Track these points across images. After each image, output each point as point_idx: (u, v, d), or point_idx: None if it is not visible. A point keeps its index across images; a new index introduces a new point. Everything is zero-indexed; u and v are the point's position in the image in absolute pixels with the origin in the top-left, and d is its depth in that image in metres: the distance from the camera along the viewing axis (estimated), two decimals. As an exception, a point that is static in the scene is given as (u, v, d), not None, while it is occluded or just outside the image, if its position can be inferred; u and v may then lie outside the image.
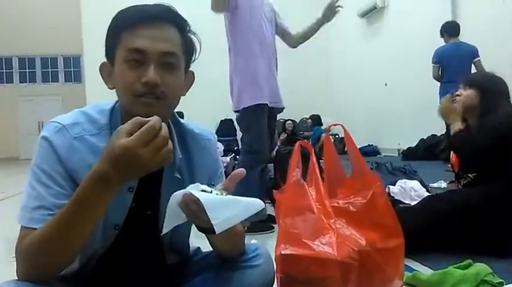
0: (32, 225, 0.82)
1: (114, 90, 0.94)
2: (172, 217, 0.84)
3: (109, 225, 0.95)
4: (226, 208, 0.79)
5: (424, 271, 1.55)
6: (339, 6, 2.64)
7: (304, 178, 1.36)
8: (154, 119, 0.72)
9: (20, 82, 15.42)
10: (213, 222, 0.76)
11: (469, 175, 1.97)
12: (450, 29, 5.34)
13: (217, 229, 0.77)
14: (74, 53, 14.21)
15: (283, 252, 1.18)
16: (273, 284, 1.14)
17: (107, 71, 0.94)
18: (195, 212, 0.79)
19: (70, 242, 0.79)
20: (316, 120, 8.52)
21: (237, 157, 4.09)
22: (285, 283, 1.16)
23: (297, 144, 1.45)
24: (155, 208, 0.99)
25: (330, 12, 2.65)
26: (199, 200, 0.77)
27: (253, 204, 0.82)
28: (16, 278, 0.85)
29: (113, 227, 0.96)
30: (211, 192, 0.82)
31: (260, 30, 2.54)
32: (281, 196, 1.36)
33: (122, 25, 0.90)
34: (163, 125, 0.73)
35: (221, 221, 0.77)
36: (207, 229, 0.82)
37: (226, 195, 0.83)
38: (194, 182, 0.87)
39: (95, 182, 0.74)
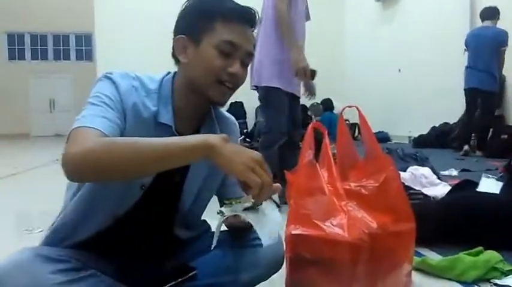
0: (94, 125, 0.85)
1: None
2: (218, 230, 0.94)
3: (135, 184, 0.97)
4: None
5: (433, 257, 1.54)
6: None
7: (316, 161, 1.35)
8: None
9: (32, 59, 15.47)
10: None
11: None
12: (482, 13, 5.18)
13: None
14: (86, 31, 14.20)
15: (293, 232, 1.17)
16: (282, 264, 1.15)
17: (182, 45, 1.00)
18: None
19: (132, 167, 0.81)
20: (327, 104, 8.35)
21: (247, 139, 4.09)
22: (295, 262, 1.16)
23: (310, 126, 1.44)
24: (184, 175, 1.04)
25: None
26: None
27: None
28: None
29: (139, 187, 0.98)
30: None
31: (300, 19, 2.64)
32: (292, 177, 1.35)
33: (217, 14, 0.97)
34: None
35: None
36: None
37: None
38: None
39: (201, 146, 0.81)
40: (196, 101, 1.02)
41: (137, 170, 0.82)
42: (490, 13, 5.11)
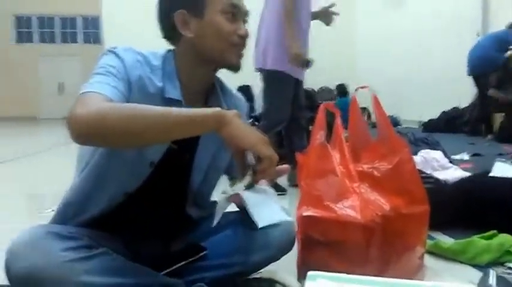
0: (102, 91, 0.85)
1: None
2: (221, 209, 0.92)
3: (144, 161, 0.96)
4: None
5: (446, 240, 1.53)
6: (333, 13, 2.72)
7: (328, 143, 1.33)
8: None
9: (40, 42, 15.44)
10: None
11: None
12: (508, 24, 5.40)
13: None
14: (93, 14, 14.13)
15: (304, 214, 1.16)
16: (293, 245, 1.14)
17: (182, 20, 0.99)
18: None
19: (140, 134, 0.80)
20: (341, 89, 8.22)
21: (256, 123, 4.09)
22: (306, 244, 1.15)
23: (322, 106, 1.41)
24: (193, 152, 1.03)
25: (327, 19, 2.74)
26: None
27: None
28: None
29: (148, 164, 0.97)
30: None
31: (306, 6, 2.62)
32: (303, 159, 1.33)
33: None
34: None
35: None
36: None
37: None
38: None
39: (213, 116, 0.82)
40: (203, 76, 1.03)
41: (144, 138, 0.81)
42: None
